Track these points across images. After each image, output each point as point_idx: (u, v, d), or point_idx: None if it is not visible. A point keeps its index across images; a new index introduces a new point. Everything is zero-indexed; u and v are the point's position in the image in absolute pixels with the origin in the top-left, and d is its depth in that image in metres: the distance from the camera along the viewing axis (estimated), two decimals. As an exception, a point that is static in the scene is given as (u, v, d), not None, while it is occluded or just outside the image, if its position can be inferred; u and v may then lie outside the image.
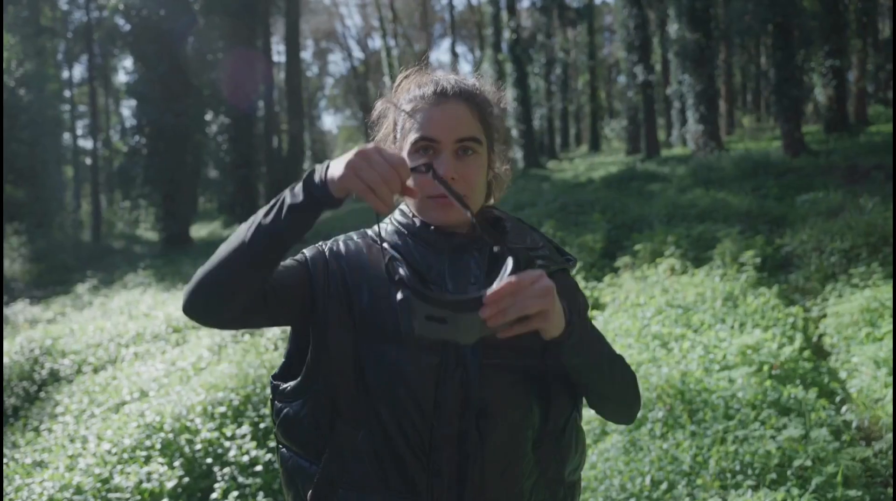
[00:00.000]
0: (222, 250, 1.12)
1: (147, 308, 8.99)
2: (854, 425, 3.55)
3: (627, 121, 24.83)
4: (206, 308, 1.14)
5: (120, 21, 20.00)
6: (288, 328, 1.32)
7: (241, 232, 1.11)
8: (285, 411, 1.29)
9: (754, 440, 3.13)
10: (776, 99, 14.71)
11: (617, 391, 1.31)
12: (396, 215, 1.34)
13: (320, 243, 1.31)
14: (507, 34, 22.61)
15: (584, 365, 1.22)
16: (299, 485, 1.27)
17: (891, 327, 4.48)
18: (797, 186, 10.78)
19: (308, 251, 1.29)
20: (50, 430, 4.00)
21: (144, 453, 3.20)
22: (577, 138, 38.07)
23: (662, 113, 28.24)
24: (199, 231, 23.22)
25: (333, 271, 1.25)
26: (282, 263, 1.21)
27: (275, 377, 1.34)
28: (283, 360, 1.34)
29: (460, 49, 42.73)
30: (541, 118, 27.97)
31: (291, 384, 1.28)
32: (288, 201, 1.08)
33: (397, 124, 1.30)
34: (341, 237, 1.32)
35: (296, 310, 1.24)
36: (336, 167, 1.05)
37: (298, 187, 1.09)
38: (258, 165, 22.54)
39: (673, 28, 18.03)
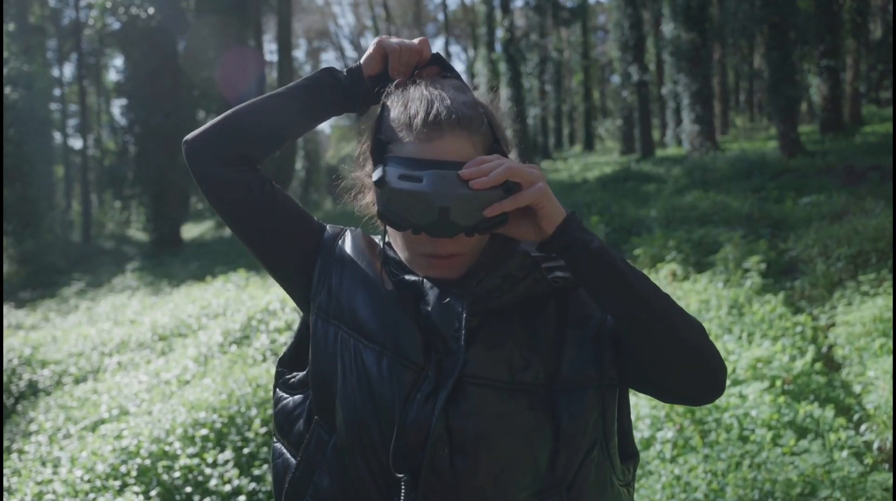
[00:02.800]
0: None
1: (134, 314, 8.75)
2: (875, 446, 3.36)
3: (622, 121, 24.67)
4: (208, 134, 1.11)
5: (109, 19, 19.70)
6: (280, 340, 1.19)
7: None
8: (285, 402, 1.16)
9: (773, 465, 2.93)
10: (772, 99, 14.57)
11: (669, 322, 0.98)
12: (388, 252, 1.17)
13: (342, 226, 1.23)
14: (500, 33, 22.43)
15: (606, 267, 0.97)
16: (285, 485, 1.11)
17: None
18: (795, 187, 10.63)
19: (329, 227, 1.21)
20: (21, 452, 3.77)
21: (118, 482, 2.98)
22: (571, 138, 37.91)
23: (656, 113, 28.13)
24: (190, 232, 22.94)
25: (336, 255, 1.15)
26: (309, 216, 1.19)
27: (281, 361, 1.20)
28: (291, 341, 1.21)
29: (454, 48, 42.49)
30: (535, 118, 27.80)
31: (299, 375, 1.15)
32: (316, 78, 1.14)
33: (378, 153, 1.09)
34: (359, 230, 1.22)
35: (287, 250, 1.14)
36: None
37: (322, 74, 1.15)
38: (250, 164, 22.22)
39: (668, 28, 17.89)
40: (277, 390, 1.19)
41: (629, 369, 1.06)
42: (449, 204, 0.94)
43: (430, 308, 1.05)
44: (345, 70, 1.14)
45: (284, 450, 1.14)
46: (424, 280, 1.08)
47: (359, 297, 1.09)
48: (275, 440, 1.19)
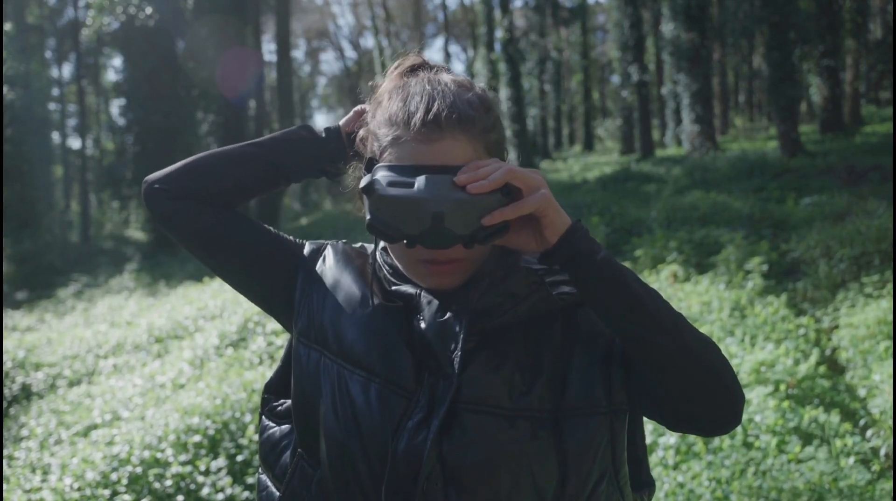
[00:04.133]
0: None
1: (130, 315, 8.69)
2: (882, 452, 3.29)
3: (622, 121, 24.61)
4: (172, 174, 1.08)
5: (107, 19, 19.63)
6: (277, 343, 1.12)
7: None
8: (271, 431, 1.09)
9: (778, 472, 2.87)
10: (772, 99, 14.50)
11: (682, 342, 0.89)
12: (385, 258, 1.09)
13: (322, 242, 1.15)
14: (500, 33, 22.36)
15: (612, 279, 0.89)
16: None
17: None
18: (796, 188, 10.56)
19: (308, 245, 1.13)
20: (11, 458, 3.70)
21: (109, 490, 2.91)
22: (571, 138, 37.85)
23: (656, 113, 28.08)
24: (188, 232, 22.82)
25: (317, 275, 1.08)
26: (283, 239, 1.14)
27: (268, 387, 1.13)
28: (279, 365, 1.14)
29: (453, 48, 42.49)
30: (534, 118, 27.74)
31: (287, 402, 1.08)
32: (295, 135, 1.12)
33: (371, 145, 1.01)
34: (340, 243, 1.14)
35: (263, 281, 1.10)
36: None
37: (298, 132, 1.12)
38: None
39: (668, 28, 17.83)
40: (264, 418, 1.12)
41: (639, 393, 0.98)
42: (443, 209, 0.86)
43: (425, 326, 0.98)
44: (323, 130, 1.12)
45: (269, 483, 1.08)
46: (422, 294, 1.00)
47: (343, 318, 1.01)
48: (260, 471, 1.12)
